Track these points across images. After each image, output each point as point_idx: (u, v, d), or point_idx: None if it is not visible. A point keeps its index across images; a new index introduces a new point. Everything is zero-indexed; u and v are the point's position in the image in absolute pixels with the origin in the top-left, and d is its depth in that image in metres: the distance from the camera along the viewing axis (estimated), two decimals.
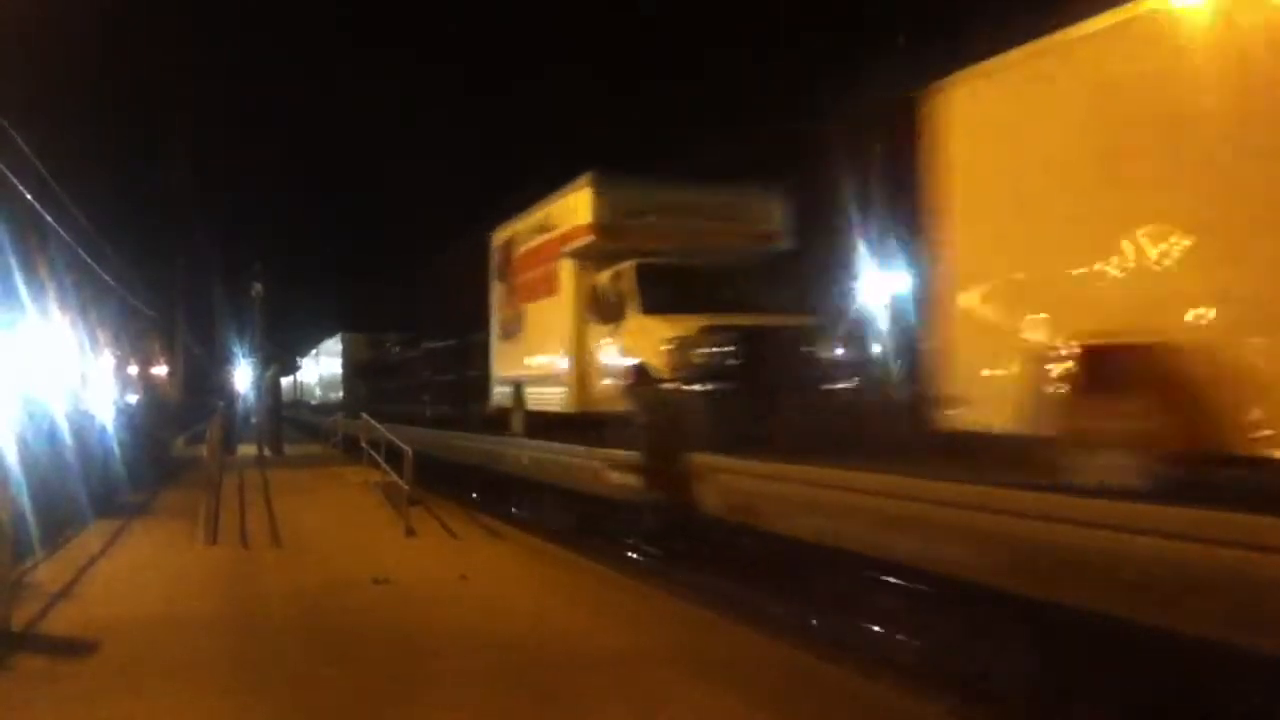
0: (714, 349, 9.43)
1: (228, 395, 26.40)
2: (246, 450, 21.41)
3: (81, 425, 13.29)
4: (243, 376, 29.74)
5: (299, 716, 4.83)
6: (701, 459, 8.46)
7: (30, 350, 15.93)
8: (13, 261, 15.15)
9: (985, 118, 6.62)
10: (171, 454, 21.29)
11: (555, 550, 10.00)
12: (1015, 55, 6.38)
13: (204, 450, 14.03)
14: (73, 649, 5.87)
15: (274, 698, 5.02)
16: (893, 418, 8.43)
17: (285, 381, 49.42)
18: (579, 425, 11.89)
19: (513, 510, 13.53)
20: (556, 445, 11.88)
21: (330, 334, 39.96)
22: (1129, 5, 5.58)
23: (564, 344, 12.54)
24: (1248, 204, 4.90)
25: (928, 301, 7.23)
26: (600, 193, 11.76)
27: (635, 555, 9.95)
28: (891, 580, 6.59)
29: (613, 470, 9.78)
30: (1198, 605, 4.30)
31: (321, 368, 43.01)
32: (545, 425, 13.07)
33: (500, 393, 15.47)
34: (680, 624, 6.69)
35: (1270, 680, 4.12)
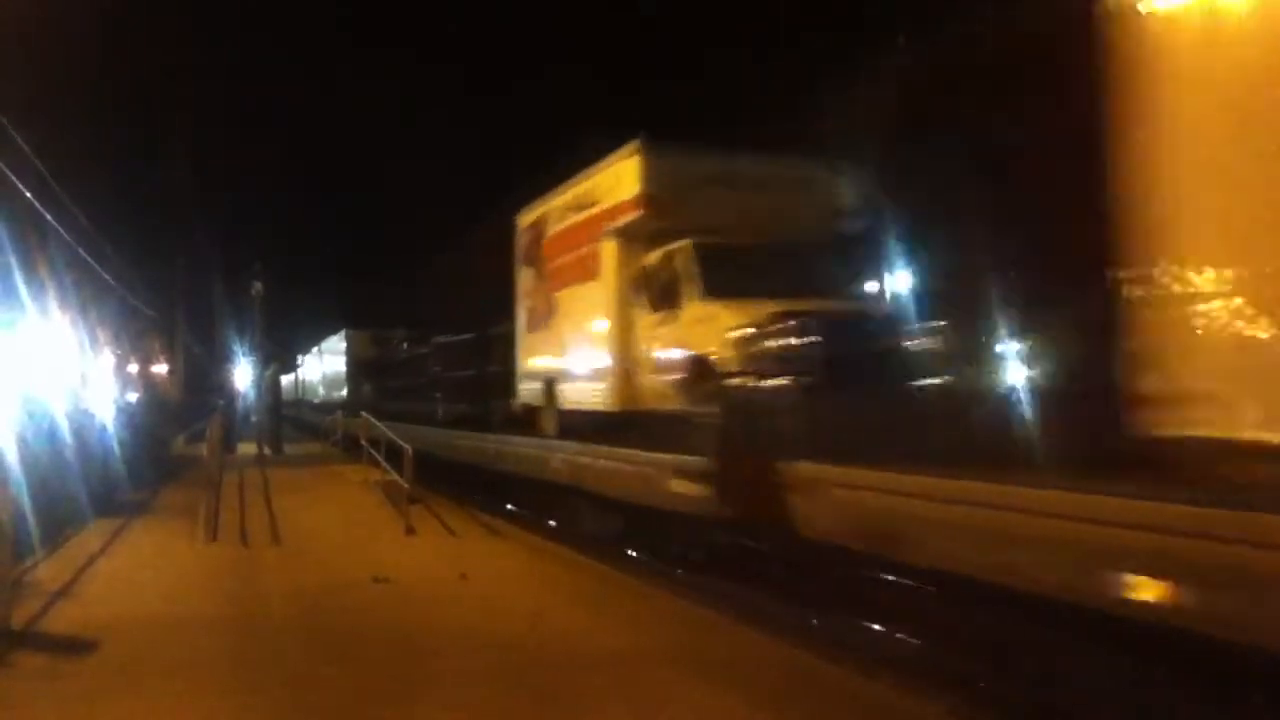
0: (791, 339, 8.25)
1: (227, 394, 26.39)
2: (246, 449, 21.41)
3: (81, 424, 13.30)
4: (243, 375, 29.74)
5: (299, 716, 4.83)
6: (807, 469, 6.92)
7: (30, 349, 15.92)
8: (13, 261, 15.15)
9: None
10: (171, 453, 21.28)
11: (555, 549, 10.00)
12: None
13: (204, 449, 14.04)
14: (73, 648, 5.87)
15: (274, 697, 5.02)
16: (1075, 422, 6.63)
17: (286, 380, 49.31)
18: (622, 426, 10.84)
19: (509, 508, 13.45)
20: (602, 449, 10.57)
21: (332, 331, 39.41)
22: None
23: (605, 334, 11.34)
24: None
25: (1135, 282, 5.35)
26: (651, 161, 10.41)
27: (634, 553, 9.94)
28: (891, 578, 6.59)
29: (675, 479, 8.55)
30: None
31: (324, 366, 42.48)
32: (581, 426, 11.93)
33: (528, 389, 14.23)
34: (680, 623, 6.69)
35: None
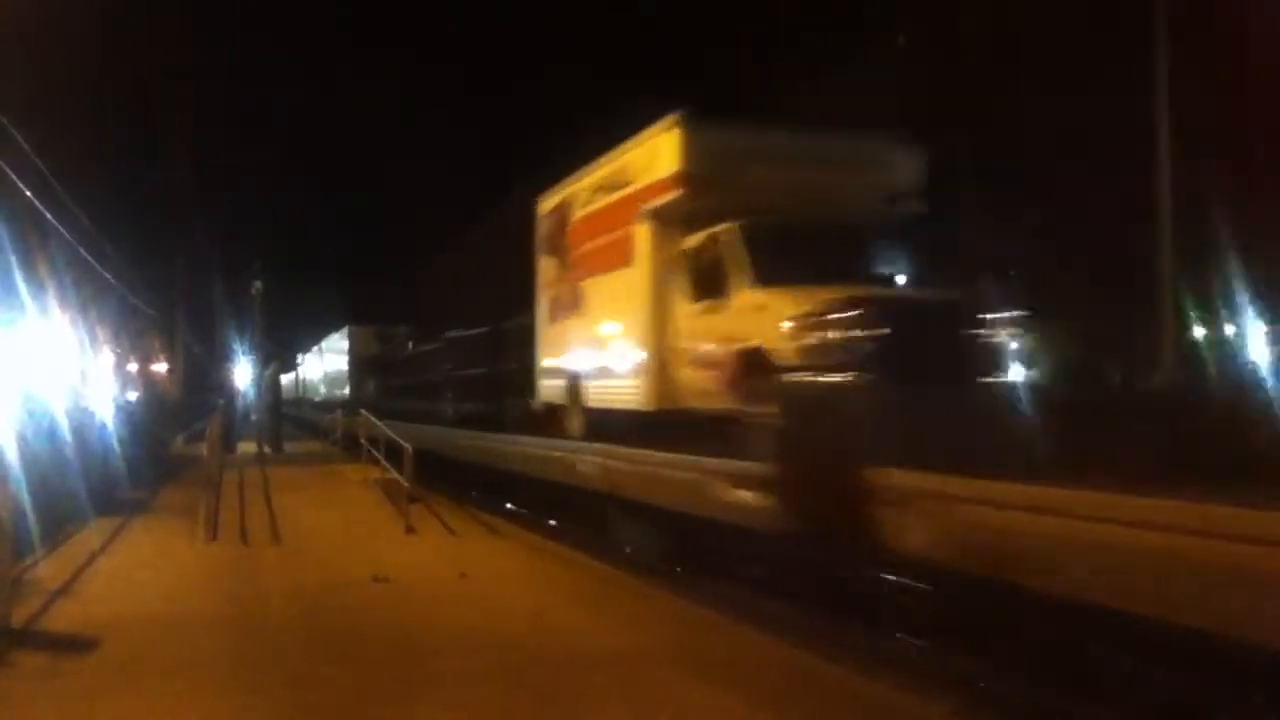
0: (859, 328, 7.38)
1: (227, 393, 26.42)
2: (246, 448, 21.41)
3: (81, 423, 13.30)
4: (243, 374, 29.75)
5: (298, 715, 4.83)
6: (904, 479, 5.95)
7: (31, 348, 15.93)
8: (13, 260, 15.16)
9: None
10: (171, 451, 21.29)
11: (555, 548, 10.00)
12: None
13: (204, 448, 14.04)
14: (73, 646, 5.87)
15: (274, 696, 5.01)
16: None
17: (287, 379, 49.15)
18: (657, 427, 9.92)
19: (509, 507, 13.43)
20: (642, 453, 9.42)
21: (334, 329, 38.76)
22: None
23: (640, 326, 10.31)
24: None
25: None
26: (691, 135, 9.44)
27: (632, 552, 9.93)
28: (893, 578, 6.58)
29: (731, 487, 7.59)
30: None
31: (325, 364, 41.89)
32: (611, 426, 10.96)
33: (549, 387, 13.07)
34: (680, 623, 6.69)
35: None
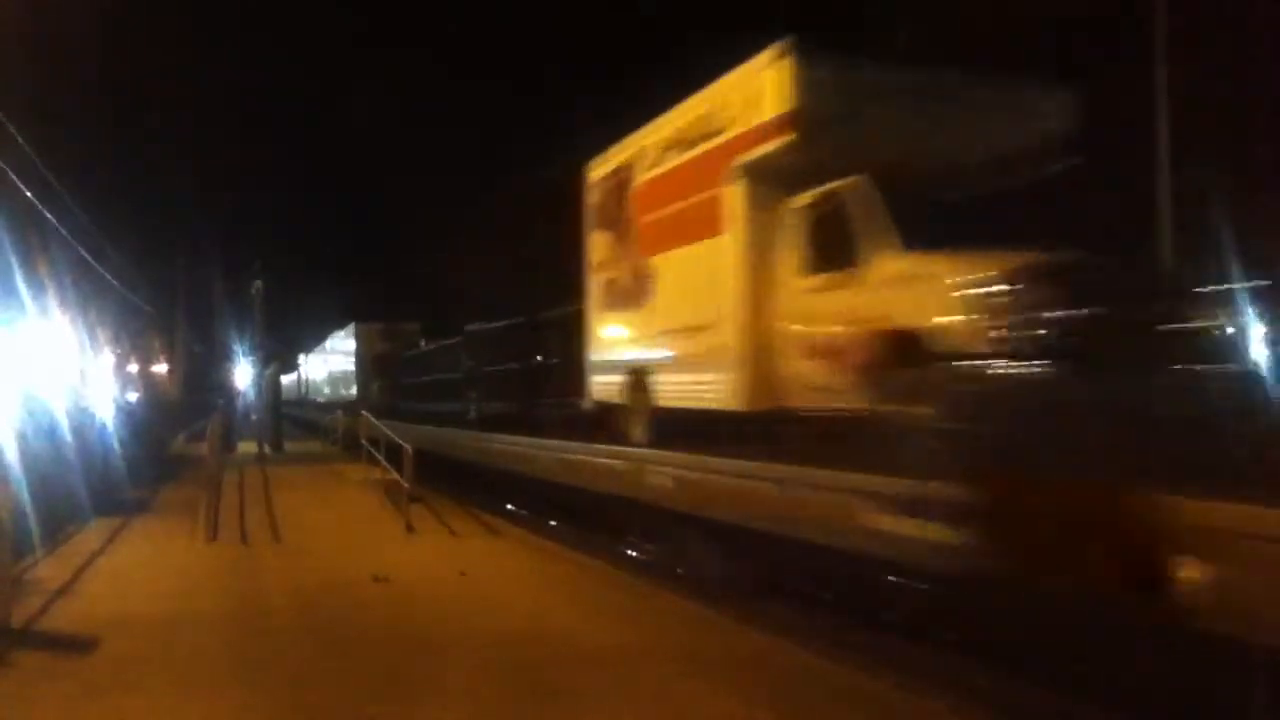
0: (1050, 304, 5.89)
1: (227, 393, 26.44)
2: (247, 448, 21.42)
3: (82, 423, 13.31)
4: (243, 374, 29.77)
5: (298, 713, 4.83)
6: (1205, 512, 4.31)
7: (31, 348, 15.94)
8: (13, 260, 15.18)
9: None
10: (171, 451, 21.32)
11: (554, 547, 10.00)
12: None
13: (204, 448, 14.04)
14: (73, 646, 5.88)
15: (273, 694, 5.02)
16: None
17: (290, 379, 48.93)
18: (753, 430, 8.48)
19: (509, 507, 13.41)
20: (748, 466, 7.65)
21: (338, 327, 37.40)
22: None
23: (730, 309, 8.56)
24: None
25: None
26: (806, 68, 7.74)
27: (634, 552, 9.94)
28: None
29: (895, 514, 5.82)
30: None
31: (330, 363, 40.72)
32: (686, 430, 9.34)
33: (603, 384, 11.28)
34: (680, 622, 6.70)
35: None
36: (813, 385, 7.62)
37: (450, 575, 8.14)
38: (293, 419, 35.70)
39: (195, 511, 10.93)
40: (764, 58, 8.13)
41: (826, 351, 7.46)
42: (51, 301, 17.81)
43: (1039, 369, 5.74)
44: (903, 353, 6.44)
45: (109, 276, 23.92)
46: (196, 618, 6.73)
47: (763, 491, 7.27)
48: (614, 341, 11.30)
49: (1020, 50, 11.91)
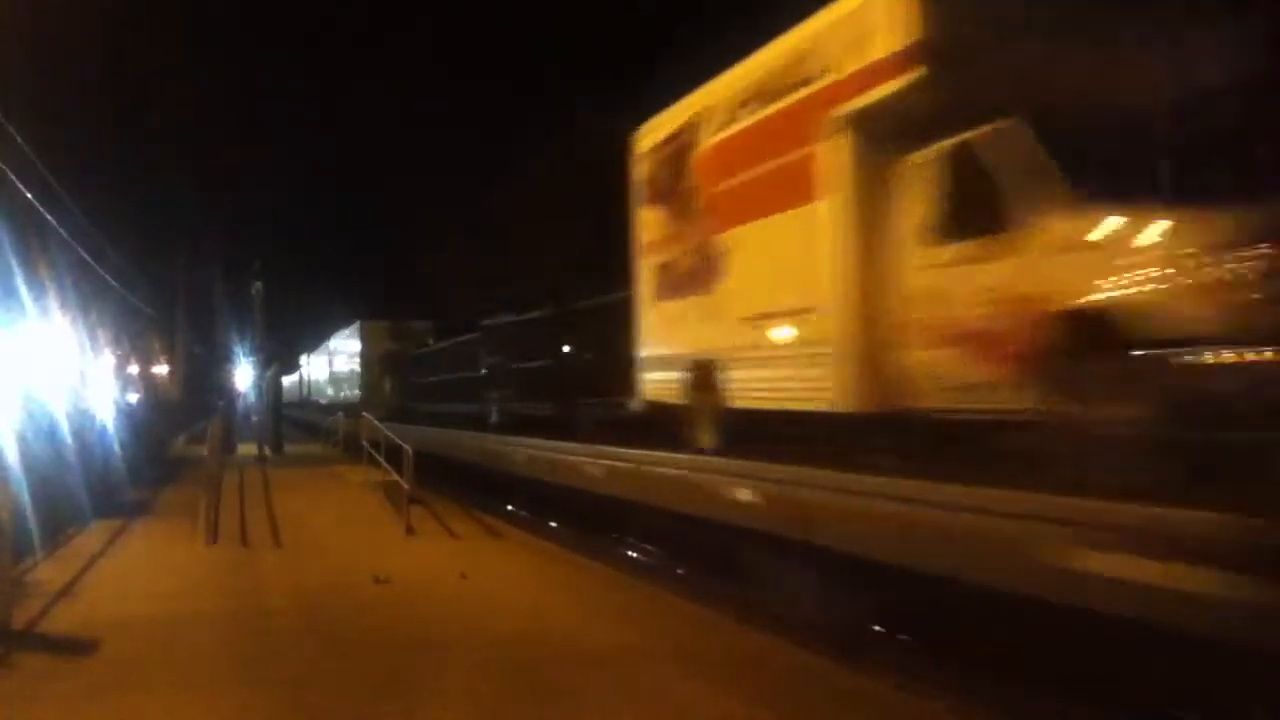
0: None
1: (228, 394, 26.44)
2: (247, 449, 21.43)
3: (82, 424, 13.32)
4: (243, 375, 29.76)
5: (299, 714, 4.83)
6: None
7: (31, 349, 15.94)
8: (13, 261, 15.18)
9: None
10: (172, 453, 21.34)
11: (554, 549, 10.00)
12: None
13: (204, 450, 14.04)
14: (74, 647, 5.88)
15: (274, 695, 5.02)
16: None
17: (291, 380, 48.71)
18: (856, 437, 7.13)
19: (509, 509, 13.38)
20: (880, 481, 6.11)
21: (341, 327, 36.13)
22: None
23: (831, 287, 7.19)
24: None
25: None
26: None
27: (635, 554, 9.93)
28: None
29: (1117, 552, 4.41)
30: None
31: (334, 363, 39.54)
32: (768, 435, 8.06)
33: (658, 382, 9.97)
34: (680, 622, 6.70)
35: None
36: (946, 381, 6.32)
37: (451, 576, 8.14)
38: (294, 421, 35.65)
39: (195, 513, 10.94)
40: None
41: (967, 338, 6.10)
42: (52, 303, 17.82)
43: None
44: (1088, 338, 5.20)
45: (109, 278, 23.93)
46: (197, 619, 6.73)
47: (891, 513, 5.84)
48: (672, 333, 9.78)
49: None
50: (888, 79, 6.63)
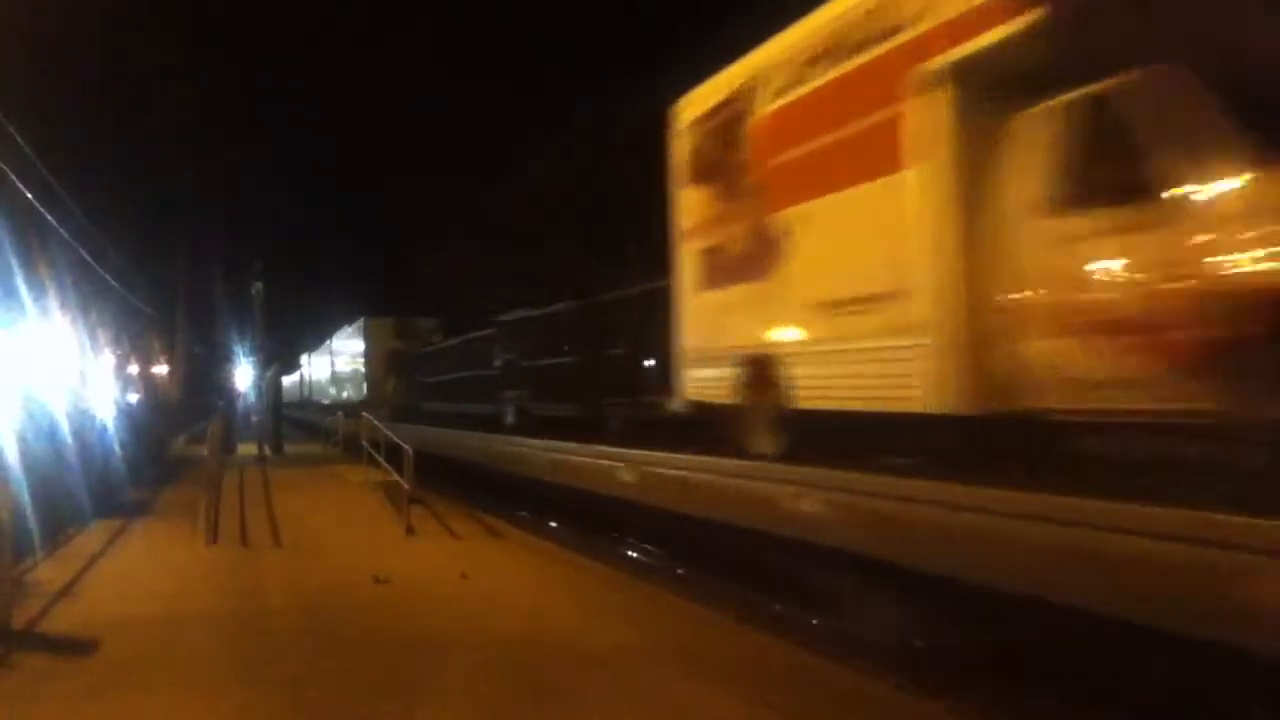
0: None
1: (228, 394, 26.43)
2: (247, 449, 21.42)
3: (82, 424, 13.31)
4: (244, 376, 29.75)
5: (299, 713, 4.83)
6: None
7: (32, 349, 15.94)
8: (13, 261, 15.18)
9: None
10: (172, 453, 21.33)
11: (555, 549, 9.99)
12: None
13: (204, 450, 14.04)
14: (74, 647, 5.88)
15: (274, 695, 5.01)
16: None
17: (292, 380, 48.54)
18: (961, 442, 6.21)
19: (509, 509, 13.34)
20: (1020, 497, 5.12)
21: (344, 325, 35.55)
22: None
23: (925, 267, 6.32)
24: None
25: None
26: None
27: (635, 554, 9.92)
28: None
29: None
30: None
31: (336, 363, 38.89)
32: (840, 440, 7.21)
33: (705, 379, 9.09)
34: (681, 622, 6.69)
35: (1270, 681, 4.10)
36: (1079, 376, 5.35)
37: (451, 576, 8.14)
38: (295, 421, 35.55)
39: (196, 513, 10.93)
40: None
41: (1109, 324, 5.14)
42: (52, 303, 17.82)
43: None
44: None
45: (109, 278, 23.93)
46: (197, 619, 6.73)
47: (1030, 536, 4.87)
48: (720, 326, 8.87)
49: None
50: (997, 23, 5.77)
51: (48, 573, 8.07)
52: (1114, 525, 4.47)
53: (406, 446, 11.74)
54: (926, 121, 6.34)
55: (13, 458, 8.68)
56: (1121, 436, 5.27)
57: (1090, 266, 5.37)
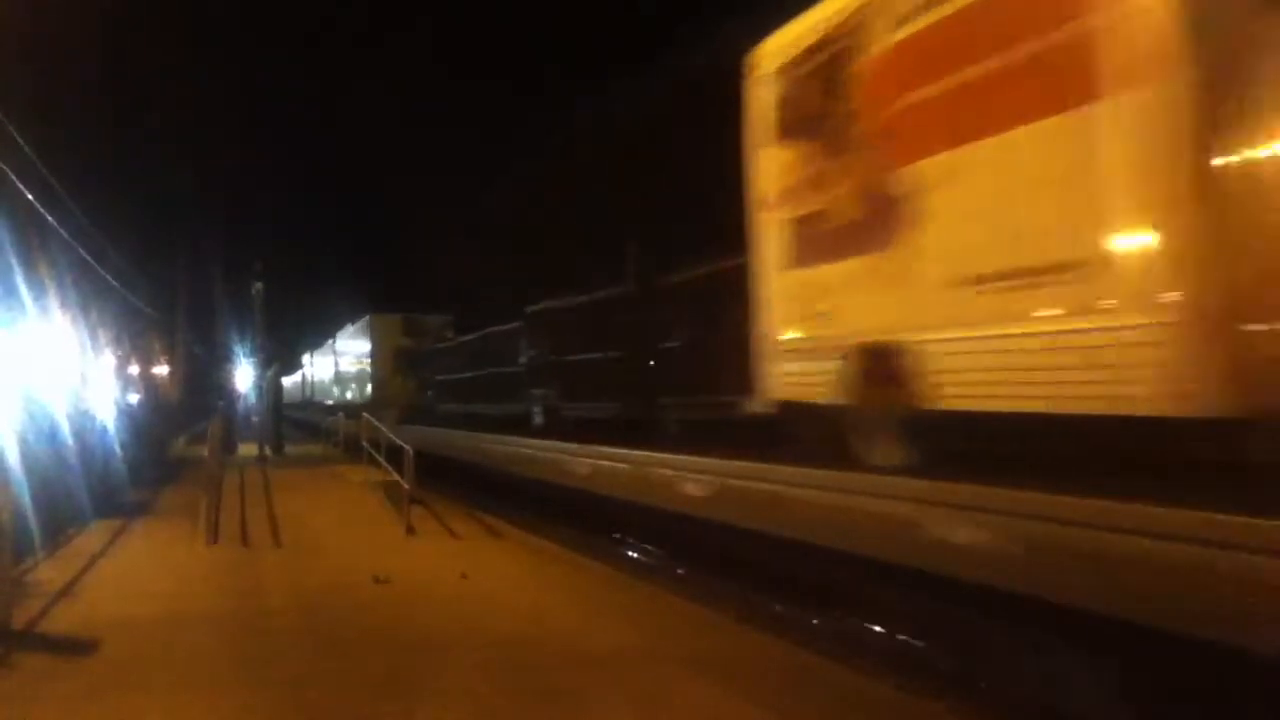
0: None
1: (228, 395, 26.43)
2: (248, 450, 21.43)
3: (82, 425, 13.32)
4: (244, 376, 29.75)
5: (299, 713, 4.83)
6: None
7: (32, 350, 15.94)
8: (14, 261, 15.18)
9: None
10: (172, 454, 21.34)
11: (555, 549, 9.99)
12: None
13: (204, 450, 14.04)
14: (74, 647, 5.88)
15: (274, 695, 5.02)
16: None
17: (293, 380, 48.44)
18: (1233, 455, 4.69)
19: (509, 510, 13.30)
20: None
21: (347, 323, 34.26)
22: None
23: (1147, 226, 4.91)
24: None
25: None
26: None
27: (635, 554, 9.92)
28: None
29: None
30: None
31: (339, 362, 37.53)
32: (992, 450, 5.91)
33: (799, 375, 7.78)
34: (681, 623, 6.70)
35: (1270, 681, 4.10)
36: None
37: (451, 576, 8.14)
38: (296, 422, 35.53)
39: (196, 514, 10.93)
40: None
41: None
42: (52, 303, 17.81)
43: None
44: None
45: (109, 278, 23.93)
46: (197, 619, 6.73)
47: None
48: (820, 309, 7.50)
49: None
50: None
51: (48, 573, 8.07)
52: None
53: (407, 447, 11.74)
54: (1141, 34, 4.88)
55: (13, 458, 8.68)
56: None
57: None
